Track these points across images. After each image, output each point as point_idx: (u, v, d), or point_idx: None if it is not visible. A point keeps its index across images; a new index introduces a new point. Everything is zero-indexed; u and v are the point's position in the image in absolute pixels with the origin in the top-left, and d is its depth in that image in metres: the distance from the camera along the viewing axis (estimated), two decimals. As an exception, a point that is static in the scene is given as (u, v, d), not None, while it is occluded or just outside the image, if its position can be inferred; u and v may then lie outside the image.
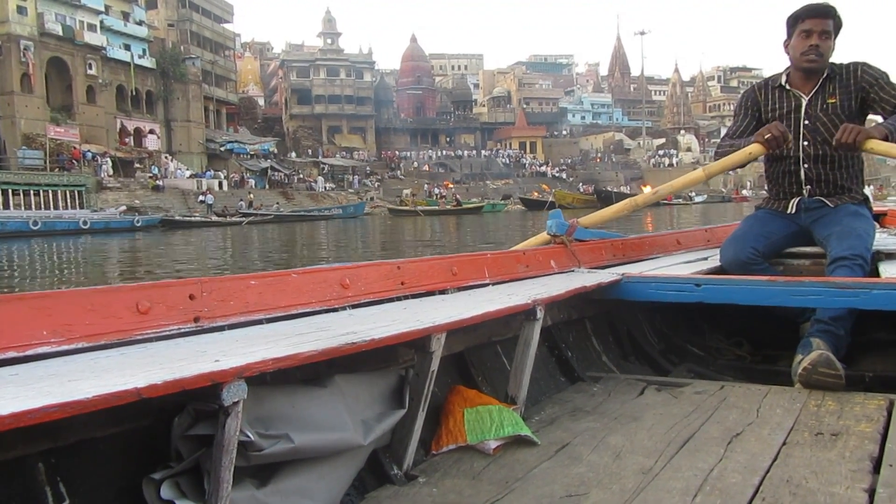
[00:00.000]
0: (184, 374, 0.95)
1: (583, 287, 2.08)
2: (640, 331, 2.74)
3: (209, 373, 0.98)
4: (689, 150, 74.86)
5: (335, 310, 1.64)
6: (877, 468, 1.38)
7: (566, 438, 1.66)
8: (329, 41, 64.13)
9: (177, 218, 30.74)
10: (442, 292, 1.98)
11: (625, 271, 2.40)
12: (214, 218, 32.35)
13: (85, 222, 26.30)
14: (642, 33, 78.66)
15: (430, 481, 1.46)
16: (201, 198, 36.33)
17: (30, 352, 1.11)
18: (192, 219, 31.24)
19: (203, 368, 0.99)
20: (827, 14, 2.52)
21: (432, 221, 31.69)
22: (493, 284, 2.15)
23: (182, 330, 1.33)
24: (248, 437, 1.12)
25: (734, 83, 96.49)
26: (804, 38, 2.53)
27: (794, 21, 2.58)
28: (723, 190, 64.86)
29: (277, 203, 39.69)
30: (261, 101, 71.03)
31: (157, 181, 37.46)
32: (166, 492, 1.10)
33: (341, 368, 1.39)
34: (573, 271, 2.49)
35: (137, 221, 28.01)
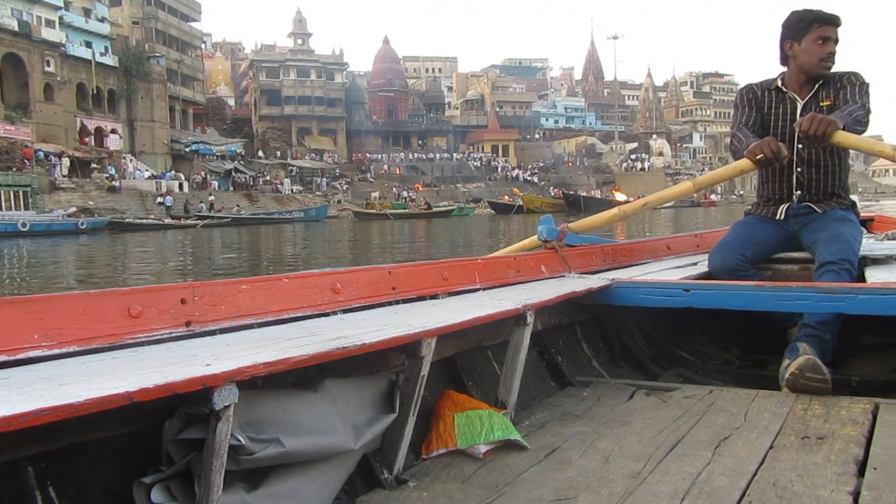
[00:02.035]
0: (175, 377, 0.96)
1: (573, 292, 2.09)
2: (629, 335, 2.74)
3: (200, 377, 0.98)
4: (661, 154, 75.22)
5: (326, 314, 1.65)
6: (861, 471, 1.39)
7: (556, 443, 1.66)
8: (300, 42, 63.31)
9: (127, 220, 29.51)
10: (433, 297, 1.98)
11: (614, 276, 2.41)
12: (168, 221, 31.25)
13: (24, 224, 24.90)
14: (615, 38, 78.61)
15: (420, 486, 1.46)
16: (160, 199, 35.31)
17: (21, 355, 1.11)
18: (143, 221, 30.08)
19: (194, 372, 0.99)
20: (840, 23, 2.57)
21: (401, 225, 31.08)
22: (484, 289, 2.16)
23: (173, 334, 1.33)
24: (239, 440, 1.12)
25: (706, 88, 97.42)
26: (821, 43, 2.54)
27: (807, 24, 2.56)
28: (694, 195, 65.01)
29: (238, 205, 38.69)
30: (231, 102, 69.95)
31: (114, 182, 36.24)
32: (157, 496, 1.10)
33: (332, 373, 1.39)
34: (563, 276, 2.49)
35: (82, 224, 26.76)
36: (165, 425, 1.13)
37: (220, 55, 79.28)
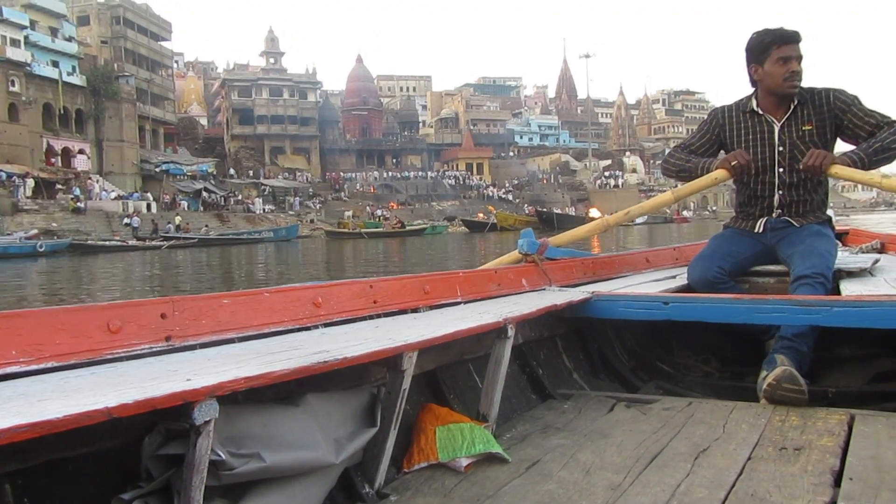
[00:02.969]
0: (155, 393, 0.96)
1: (553, 305, 2.10)
2: (610, 348, 2.74)
3: (181, 392, 0.98)
4: (634, 171, 75.84)
5: (308, 328, 1.65)
6: (837, 482, 1.41)
7: (537, 455, 1.66)
8: (272, 60, 63.01)
9: (88, 242, 28.69)
10: (414, 311, 1.99)
11: (595, 289, 2.43)
12: (132, 242, 30.45)
13: (-22, 247, 23.87)
14: (587, 56, 78.60)
15: (401, 499, 1.46)
16: (126, 220, 34.52)
17: None
18: (106, 243, 29.20)
19: (174, 387, 0.99)
20: (799, 39, 2.55)
21: (375, 244, 30.69)
22: (465, 303, 2.17)
23: (153, 349, 1.33)
24: (220, 456, 1.11)
25: (678, 106, 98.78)
26: (782, 63, 2.53)
27: (765, 47, 2.57)
28: (667, 211, 65.60)
29: (206, 226, 37.90)
30: (204, 121, 69.32)
31: (78, 203, 35.37)
32: None
33: (313, 387, 1.39)
34: (544, 289, 2.51)
35: (41, 246, 25.71)
36: (145, 441, 1.11)
37: (192, 74, 78.68)
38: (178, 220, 36.96)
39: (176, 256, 24.24)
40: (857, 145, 2.54)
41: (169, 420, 1.07)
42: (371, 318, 1.85)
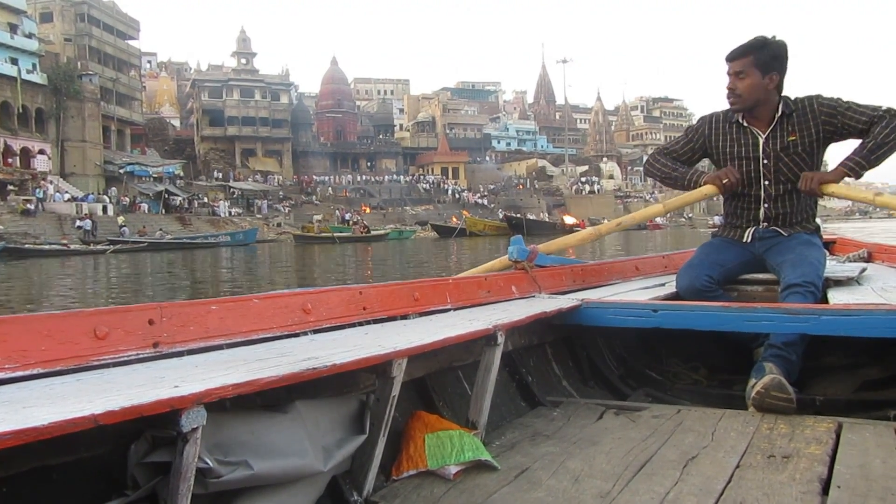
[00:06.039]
0: (142, 400, 0.96)
1: (543, 312, 2.10)
2: (599, 356, 2.74)
3: (168, 399, 0.98)
4: (611, 177, 75.60)
5: (296, 335, 1.65)
6: (826, 490, 1.42)
7: (526, 463, 1.67)
8: (244, 61, 61.88)
9: (26, 246, 27.51)
10: (404, 317, 1.99)
11: (584, 297, 2.44)
12: (74, 246, 29.14)
13: None
14: (564, 61, 78.39)
15: None
16: (79, 223, 33.27)
17: None
18: (45, 247, 28.03)
19: (162, 394, 0.99)
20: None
21: (342, 249, 29.70)
22: (455, 310, 2.16)
23: (141, 355, 1.32)
24: (207, 463, 1.11)
25: (657, 113, 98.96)
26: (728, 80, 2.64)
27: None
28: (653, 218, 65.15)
29: (161, 229, 36.64)
30: (176, 123, 68.07)
31: (28, 205, 34.05)
32: None
33: (302, 394, 1.39)
34: (534, 297, 2.51)
35: (-31, 250, 24.58)
36: (131, 448, 1.10)
37: (165, 75, 77.46)
38: (120, 220, 35.63)
39: (118, 262, 23.13)
40: (858, 145, 2.54)
41: (156, 427, 1.05)
42: (360, 324, 1.83)
